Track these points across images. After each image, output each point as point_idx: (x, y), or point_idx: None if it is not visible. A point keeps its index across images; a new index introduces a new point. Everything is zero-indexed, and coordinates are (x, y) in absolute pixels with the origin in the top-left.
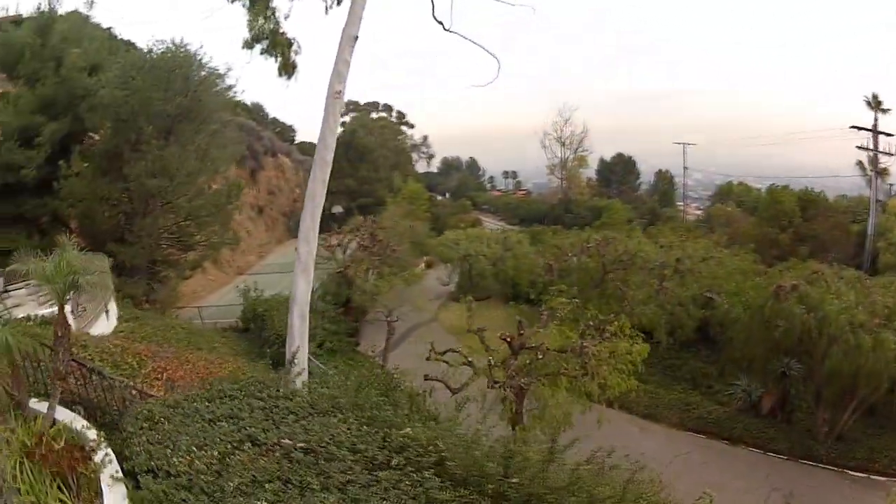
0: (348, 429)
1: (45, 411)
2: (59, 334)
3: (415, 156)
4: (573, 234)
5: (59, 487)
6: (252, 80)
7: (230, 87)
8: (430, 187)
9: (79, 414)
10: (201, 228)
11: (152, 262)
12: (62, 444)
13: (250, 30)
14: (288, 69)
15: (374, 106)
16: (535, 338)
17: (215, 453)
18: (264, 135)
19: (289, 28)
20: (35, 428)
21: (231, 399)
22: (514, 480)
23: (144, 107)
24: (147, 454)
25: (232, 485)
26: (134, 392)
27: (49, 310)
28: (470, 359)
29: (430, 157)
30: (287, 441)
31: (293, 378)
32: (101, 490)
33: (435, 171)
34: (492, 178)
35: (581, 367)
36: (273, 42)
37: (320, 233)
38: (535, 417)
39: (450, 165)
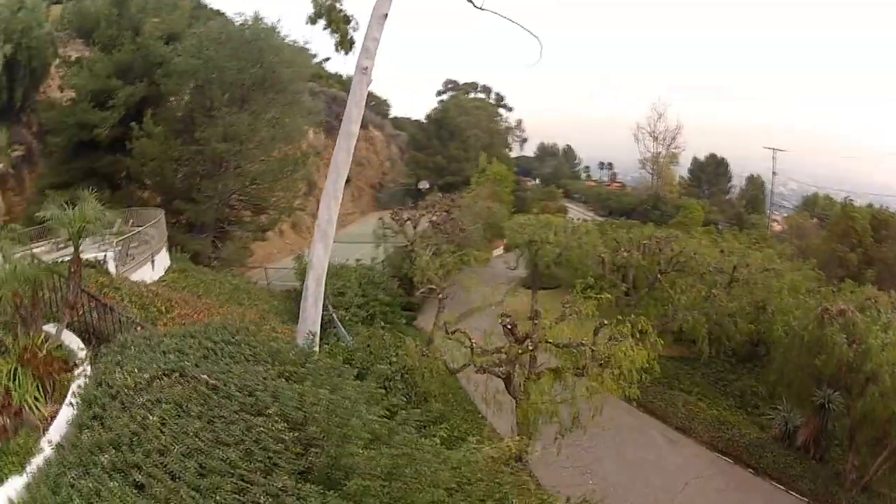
0: (264, 378)
1: (55, 333)
2: (72, 270)
3: (510, 139)
4: (635, 229)
5: (38, 388)
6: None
7: (310, 60)
8: (524, 171)
9: (83, 339)
10: (268, 192)
11: (220, 222)
12: (44, 353)
13: (313, 6)
14: (345, 45)
15: (472, 86)
16: (551, 331)
17: (146, 376)
18: None
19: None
20: (36, 342)
21: (191, 338)
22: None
23: (219, 75)
24: (104, 371)
25: (141, 400)
26: (138, 325)
27: (93, 255)
28: (472, 342)
29: (524, 140)
30: (204, 376)
31: (306, 338)
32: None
33: (531, 155)
34: (587, 167)
35: (576, 366)
36: (329, 18)
37: (403, 206)
38: (518, 408)
39: (546, 151)
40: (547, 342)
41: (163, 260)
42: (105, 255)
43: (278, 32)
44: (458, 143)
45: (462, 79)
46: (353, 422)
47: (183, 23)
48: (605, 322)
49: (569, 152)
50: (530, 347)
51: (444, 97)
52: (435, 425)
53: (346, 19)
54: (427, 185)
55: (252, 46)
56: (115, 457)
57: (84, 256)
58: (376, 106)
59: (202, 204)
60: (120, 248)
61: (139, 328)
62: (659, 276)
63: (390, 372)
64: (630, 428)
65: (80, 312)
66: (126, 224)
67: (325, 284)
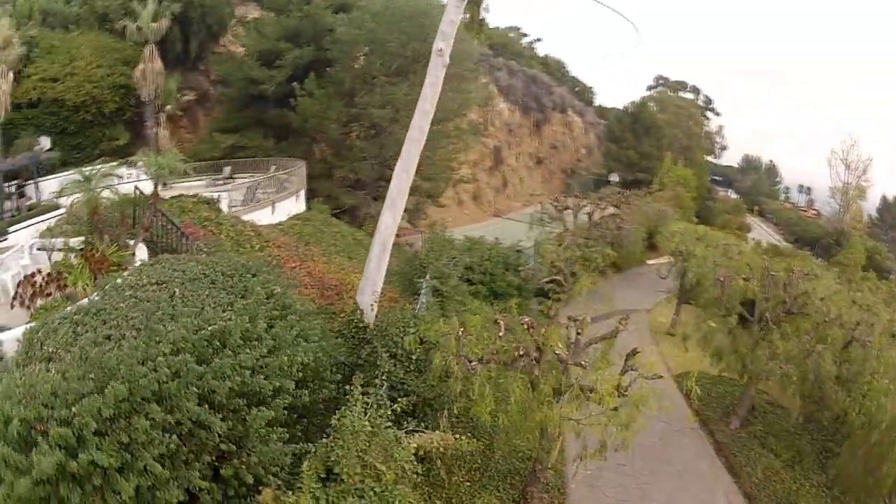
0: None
1: (132, 245)
2: (151, 201)
3: (710, 144)
4: (796, 260)
5: (90, 278)
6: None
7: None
8: (726, 181)
9: (155, 253)
10: (424, 160)
11: (380, 181)
12: (100, 255)
13: None
14: (474, 26)
15: (681, 85)
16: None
17: (144, 281)
18: (556, 90)
19: None
20: (103, 248)
21: (207, 266)
22: None
23: (380, 47)
24: (132, 274)
25: (129, 292)
26: (203, 251)
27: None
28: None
29: (723, 148)
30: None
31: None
32: None
33: (735, 165)
34: (787, 188)
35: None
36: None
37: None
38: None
39: (749, 164)
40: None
41: (290, 206)
42: (219, 196)
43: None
44: (652, 139)
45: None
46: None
47: None
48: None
49: (771, 169)
50: (532, 354)
51: (654, 92)
52: None
53: (477, 2)
54: (616, 178)
55: (413, 22)
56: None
57: (204, 194)
58: (580, 92)
59: (357, 162)
60: (235, 190)
61: (203, 252)
62: (783, 314)
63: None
64: (696, 475)
65: (153, 233)
66: (267, 171)
67: (444, 254)
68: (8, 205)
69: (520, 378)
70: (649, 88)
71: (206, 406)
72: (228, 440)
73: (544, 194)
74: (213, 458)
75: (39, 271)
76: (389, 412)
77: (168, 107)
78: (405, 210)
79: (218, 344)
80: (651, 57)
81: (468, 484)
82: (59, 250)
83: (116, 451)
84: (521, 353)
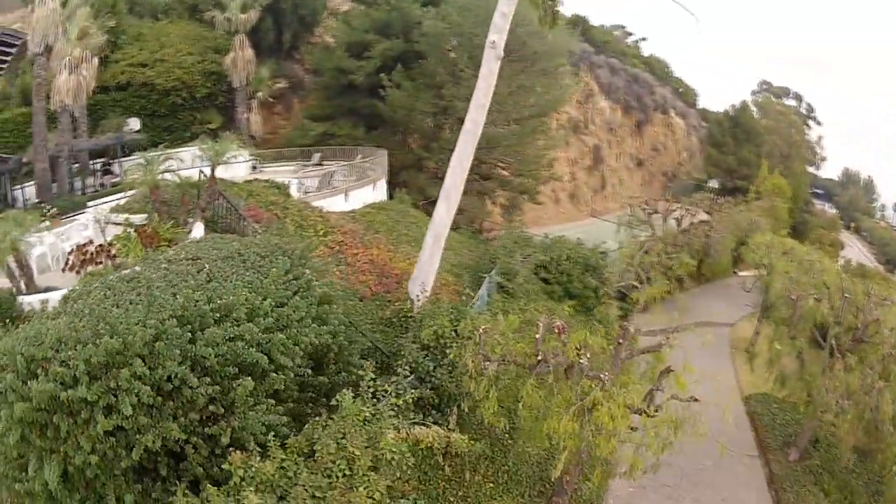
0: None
1: (189, 224)
2: (209, 185)
3: (810, 154)
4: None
5: (141, 250)
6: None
7: (569, 35)
8: (826, 194)
9: (213, 230)
10: (512, 156)
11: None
12: (151, 231)
13: None
14: (546, 20)
15: (784, 91)
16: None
17: (182, 256)
18: (658, 90)
19: None
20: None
21: (245, 246)
22: None
23: (465, 41)
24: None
25: (164, 265)
26: (256, 231)
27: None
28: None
29: (822, 159)
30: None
31: (415, 290)
32: None
33: (835, 178)
34: (883, 206)
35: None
36: None
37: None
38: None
39: (849, 177)
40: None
41: (365, 195)
42: (289, 181)
43: None
44: (752, 146)
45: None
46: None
47: None
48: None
49: (868, 185)
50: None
51: (759, 97)
52: None
53: None
54: (716, 184)
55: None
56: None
57: (276, 179)
58: (684, 93)
59: (444, 154)
60: (309, 177)
61: (257, 234)
62: (851, 342)
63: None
64: None
65: (213, 213)
66: (352, 159)
67: (518, 251)
68: (91, 181)
69: (531, 384)
70: (753, 94)
71: (194, 369)
72: (219, 404)
73: (643, 197)
74: (203, 418)
75: (91, 242)
76: (401, 402)
77: (259, 94)
78: (500, 206)
79: (218, 316)
80: (704, 47)
81: (491, 485)
82: (118, 224)
83: (103, 393)
84: (540, 357)
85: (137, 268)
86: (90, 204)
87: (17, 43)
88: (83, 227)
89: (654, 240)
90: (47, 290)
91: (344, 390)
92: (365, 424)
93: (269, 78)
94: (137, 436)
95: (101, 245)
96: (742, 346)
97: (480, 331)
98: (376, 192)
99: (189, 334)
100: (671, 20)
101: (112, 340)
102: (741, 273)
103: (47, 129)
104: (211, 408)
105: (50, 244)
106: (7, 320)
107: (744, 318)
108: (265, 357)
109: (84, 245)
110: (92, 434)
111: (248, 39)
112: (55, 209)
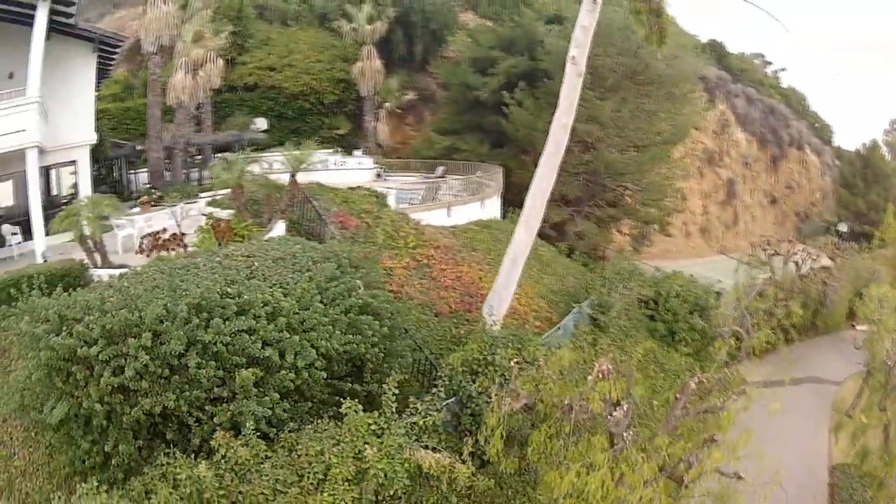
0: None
1: (269, 222)
2: (290, 188)
3: None
4: None
5: (216, 243)
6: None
7: (697, 60)
8: None
9: (292, 231)
10: (630, 183)
11: (591, 199)
12: (224, 226)
13: None
14: (652, 37)
15: None
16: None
17: (242, 253)
18: (794, 124)
19: None
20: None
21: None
22: None
23: (588, 60)
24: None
25: (226, 261)
26: (335, 236)
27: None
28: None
29: None
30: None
31: (489, 313)
32: None
33: None
34: None
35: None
36: (635, 7)
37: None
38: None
39: None
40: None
41: (471, 211)
42: (386, 191)
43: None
44: (880, 188)
45: None
46: None
47: (572, 6)
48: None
49: None
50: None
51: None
52: None
53: (656, 11)
54: (845, 228)
55: (622, 34)
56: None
57: (377, 188)
58: (819, 129)
59: (564, 177)
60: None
61: (335, 239)
62: None
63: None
64: None
65: (298, 215)
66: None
67: (621, 282)
68: (207, 173)
69: (545, 428)
70: (886, 132)
71: (204, 353)
72: (226, 388)
73: (775, 237)
74: (210, 397)
75: (165, 230)
76: (421, 422)
77: (387, 104)
78: (628, 235)
79: (236, 309)
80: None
81: None
82: (204, 215)
83: (114, 356)
84: (565, 402)
85: (198, 259)
86: (202, 195)
87: (119, 44)
88: (169, 216)
89: (768, 284)
90: (120, 266)
91: (350, 400)
92: (373, 436)
93: (397, 89)
94: (139, 398)
95: (174, 234)
96: (843, 408)
97: (513, 363)
98: (485, 209)
99: (201, 321)
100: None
101: (127, 313)
102: (859, 328)
103: (169, 122)
104: (216, 389)
105: (139, 227)
106: (75, 288)
107: (852, 376)
108: (277, 353)
109: (158, 232)
110: (100, 387)
111: (376, 50)
112: (155, 196)
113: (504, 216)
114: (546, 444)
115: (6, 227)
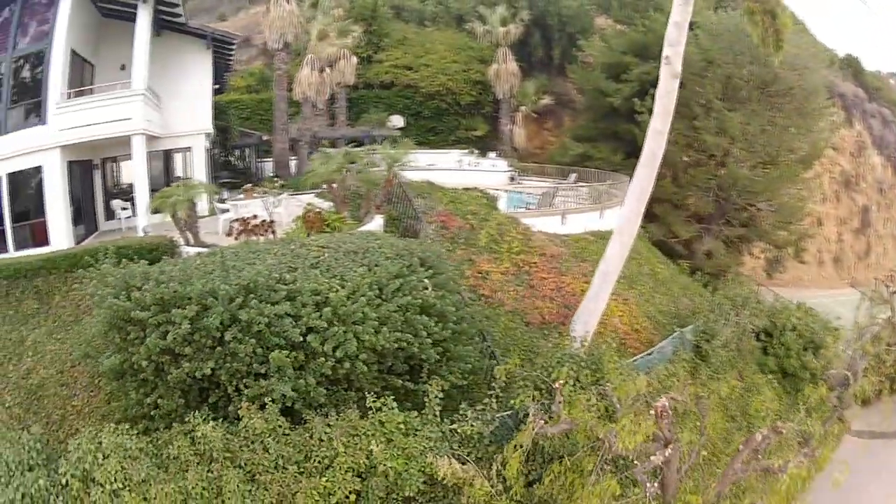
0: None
1: (365, 217)
2: (385, 185)
3: None
4: None
5: (305, 232)
6: None
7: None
8: None
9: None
10: (755, 203)
11: (721, 216)
12: (313, 216)
13: None
14: (768, 41)
15: None
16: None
17: (320, 243)
18: None
19: None
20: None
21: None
22: None
23: (714, 68)
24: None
25: (303, 251)
26: (431, 238)
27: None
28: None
29: None
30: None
31: (575, 328)
32: None
33: None
34: None
35: None
36: (748, 8)
37: None
38: None
39: None
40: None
41: (588, 221)
42: (497, 194)
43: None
44: None
45: None
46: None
47: (703, 11)
48: None
49: None
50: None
51: None
52: None
53: (771, 11)
54: None
55: (748, 42)
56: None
57: (488, 191)
58: None
59: (692, 191)
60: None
61: (429, 238)
62: None
63: None
64: None
65: (396, 211)
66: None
67: (732, 310)
68: None
69: (565, 462)
70: None
71: (247, 330)
72: (265, 365)
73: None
74: (249, 371)
75: (255, 216)
76: (460, 430)
77: (523, 107)
78: (763, 259)
79: (285, 295)
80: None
81: None
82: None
83: (162, 323)
84: (601, 438)
85: (276, 246)
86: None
87: (232, 42)
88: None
89: (886, 325)
90: (210, 246)
91: (386, 396)
92: (400, 434)
93: (534, 93)
94: (182, 362)
95: (264, 220)
96: None
97: (557, 384)
98: (604, 219)
99: (245, 301)
100: None
101: (177, 286)
102: None
103: (303, 115)
104: (255, 365)
105: (241, 213)
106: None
107: None
108: (318, 341)
109: (248, 218)
110: (149, 347)
111: (511, 53)
112: (277, 183)
113: None
114: (567, 478)
115: (116, 202)
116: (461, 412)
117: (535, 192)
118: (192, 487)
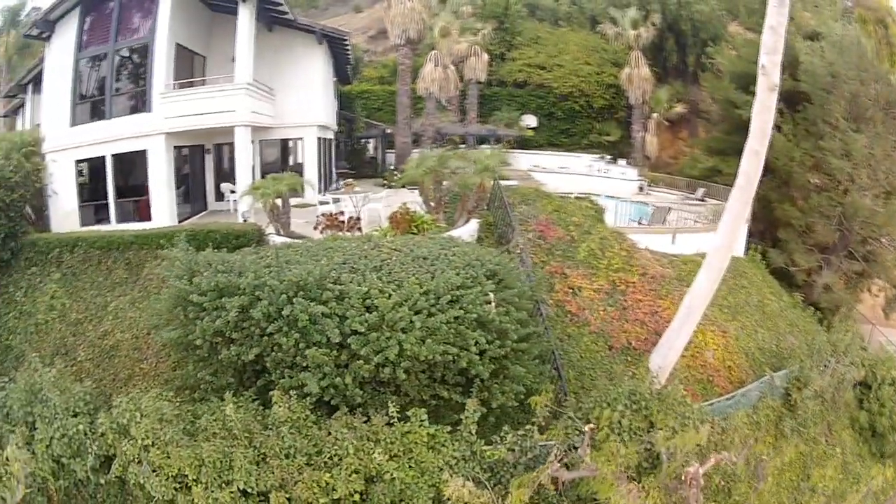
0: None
1: (458, 220)
2: (476, 189)
3: None
4: None
5: (392, 231)
6: None
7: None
8: None
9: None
10: (868, 231)
11: (845, 247)
12: (400, 217)
13: None
14: (882, 54)
15: None
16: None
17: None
18: None
19: None
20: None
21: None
22: None
23: (839, 83)
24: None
25: (375, 252)
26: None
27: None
28: None
29: None
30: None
31: (655, 359)
32: None
33: None
34: None
35: None
36: (861, 16)
37: None
38: None
39: None
40: None
41: (701, 241)
42: (606, 206)
43: None
44: None
45: None
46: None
47: (829, 22)
48: None
49: None
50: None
51: None
52: None
53: (883, 21)
54: None
55: (873, 57)
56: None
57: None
58: None
59: (813, 217)
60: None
61: (518, 248)
62: None
63: None
64: None
65: (475, 213)
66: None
67: (826, 354)
68: None
69: None
70: None
71: (293, 325)
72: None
73: None
74: (293, 361)
75: (342, 212)
76: (488, 455)
77: (655, 114)
78: (882, 298)
79: (334, 296)
80: None
81: None
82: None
83: (216, 308)
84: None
85: (349, 243)
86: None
87: (344, 38)
88: (367, 200)
89: None
90: (299, 237)
91: (418, 407)
92: (425, 449)
93: (667, 100)
94: (231, 345)
95: (351, 217)
96: None
97: (588, 428)
98: (732, 243)
99: (290, 297)
100: None
101: (232, 276)
102: None
103: (426, 111)
104: (298, 357)
105: (336, 206)
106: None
107: None
108: (359, 342)
109: (335, 214)
110: (203, 328)
111: (645, 57)
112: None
113: (746, 252)
114: None
115: (225, 185)
116: (502, 434)
117: (657, 204)
118: (207, 456)
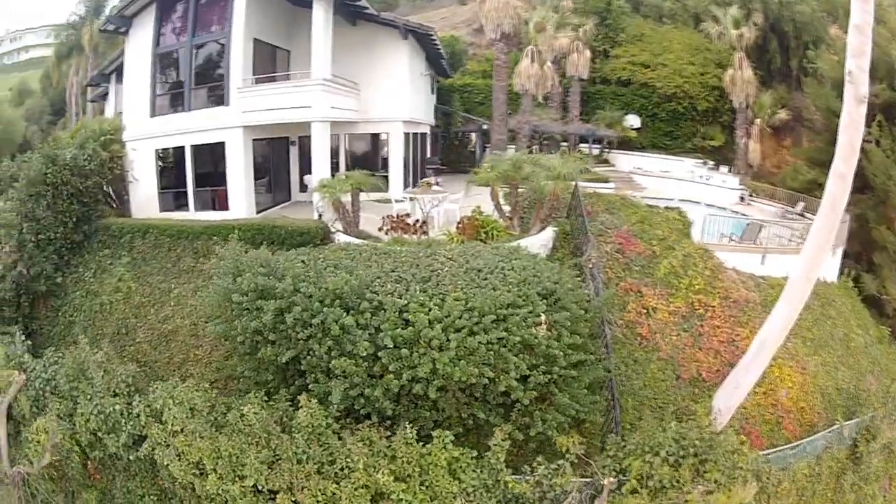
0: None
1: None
2: (549, 197)
3: None
4: None
5: (453, 237)
6: None
7: None
8: None
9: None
10: None
11: None
12: (467, 223)
13: None
14: None
15: None
16: None
17: (452, 256)
18: None
19: None
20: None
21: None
22: None
23: None
24: (455, 248)
25: (425, 261)
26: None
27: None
28: None
29: None
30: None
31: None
32: None
33: None
34: None
35: None
36: None
37: None
38: None
39: None
40: None
41: (792, 264)
42: (693, 221)
43: None
44: None
45: None
46: None
47: None
48: None
49: None
50: None
51: None
52: None
53: None
54: None
55: None
56: None
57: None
58: None
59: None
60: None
61: (590, 261)
62: None
63: None
64: None
65: (547, 222)
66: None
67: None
68: None
69: None
70: None
71: (327, 331)
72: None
73: None
74: (325, 366)
75: (408, 215)
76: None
77: (758, 120)
78: None
79: (371, 307)
80: None
81: None
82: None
83: (256, 309)
84: None
85: (403, 248)
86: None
87: (428, 34)
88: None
89: None
90: (366, 237)
91: (442, 430)
92: (445, 473)
93: (770, 105)
94: (268, 345)
95: (417, 220)
96: None
97: (606, 482)
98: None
99: (323, 305)
100: None
101: (270, 280)
102: None
103: (522, 108)
104: (332, 363)
105: (411, 206)
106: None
107: None
108: (389, 356)
109: (401, 215)
110: (244, 325)
111: (749, 59)
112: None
113: (840, 276)
114: None
115: (308, 177)
116: (534, 465)
117: (754, 218)
118: (224, 449)
